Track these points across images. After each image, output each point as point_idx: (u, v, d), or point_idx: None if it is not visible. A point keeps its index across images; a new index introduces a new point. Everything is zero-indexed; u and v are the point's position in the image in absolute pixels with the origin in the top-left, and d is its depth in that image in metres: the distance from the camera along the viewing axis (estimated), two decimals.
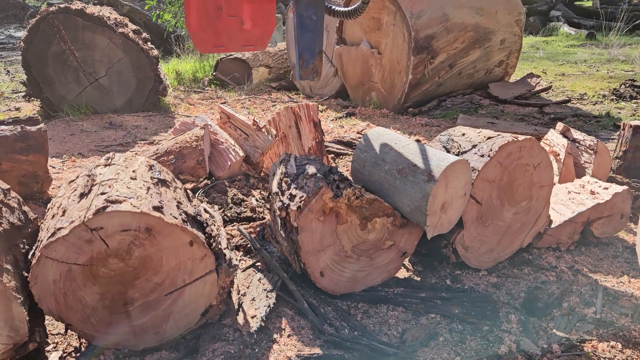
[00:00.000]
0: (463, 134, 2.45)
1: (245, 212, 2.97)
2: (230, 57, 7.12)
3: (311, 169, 2.13)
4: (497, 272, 2.43)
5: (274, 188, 2.21)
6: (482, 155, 2.23)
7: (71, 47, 5.24)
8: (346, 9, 2.71)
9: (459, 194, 2.14)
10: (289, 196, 2.07)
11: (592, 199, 2.67)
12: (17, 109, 5.70)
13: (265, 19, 2.23)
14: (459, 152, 2.35)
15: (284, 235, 2.11)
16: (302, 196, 1.99)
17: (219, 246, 1.81)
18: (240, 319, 1.98)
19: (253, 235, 2.63)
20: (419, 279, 2.38)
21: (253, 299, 2.12)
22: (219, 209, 2.96)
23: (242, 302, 2.09)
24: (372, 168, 2.31)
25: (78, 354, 1.85)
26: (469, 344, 1.93)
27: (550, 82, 6.96)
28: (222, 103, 6.07)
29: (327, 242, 2.07)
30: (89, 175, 1.86)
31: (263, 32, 2.24)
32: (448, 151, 2.39)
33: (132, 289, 1.73)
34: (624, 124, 3.45)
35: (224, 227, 2.61)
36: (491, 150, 2.22)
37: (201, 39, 2.13)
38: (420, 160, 2.12)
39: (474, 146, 2.31)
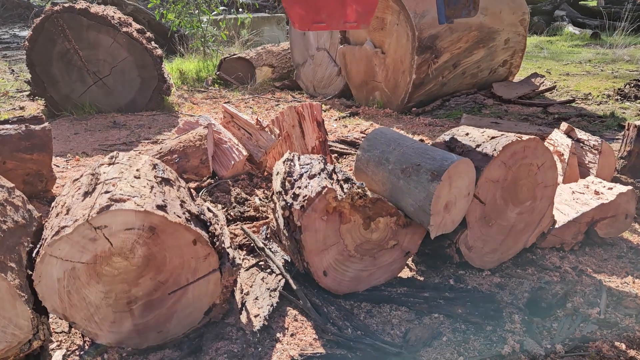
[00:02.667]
0: (467, 134, 2.45)
1: (248, 211, 2.98)
2: (234, 56, 7.12)
3: (315, 169, 2.13)
4: (500, 272, 2.42)
5: (278, 187, 2.21)
6: (486, 155, 2.23)
7: (75, 47, 5.26)
8: None
9: (463, 194, 2.13)
10: (292, 195, 2.07)
11: (597, 199, 2.66)
12: (22, 108, 5.72)
13: None
14: (462, 151, 2.34)
15: (287, 234, 2.11)
16: (306, 195, 1.99)
17: (223, 245, 1.81)
18: (243, 318, 1.98)
19: (256, 235, 2.63)
20: (422, 278, 2.38)
21: (256, 298, 2.13)
22: (223, 208, 2.96)
23: (246, 301, 2.10)
24: (375, 168, 2.30)
25: (82, 352, 1.86)
26: (472, 344, 1.93)
27: (555, 82, 6.94)
28: (225, 102, 6.07)
29: (331, 241, 2.07)
30: (93, 174, 1.87)
31: (366, 7, 1.99)
32: (452, 151, 2.38)
33: (136, 287, 1.73)
34: (628, 124, 3.43)
35: (228, 226, 2.62)
36: (495, 150, 2.21)
37: (299, 15, 1.92)
38: (423, 159, 2.12)
39: (478, 146, 2.31)
